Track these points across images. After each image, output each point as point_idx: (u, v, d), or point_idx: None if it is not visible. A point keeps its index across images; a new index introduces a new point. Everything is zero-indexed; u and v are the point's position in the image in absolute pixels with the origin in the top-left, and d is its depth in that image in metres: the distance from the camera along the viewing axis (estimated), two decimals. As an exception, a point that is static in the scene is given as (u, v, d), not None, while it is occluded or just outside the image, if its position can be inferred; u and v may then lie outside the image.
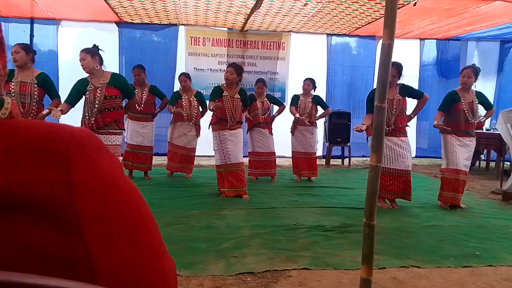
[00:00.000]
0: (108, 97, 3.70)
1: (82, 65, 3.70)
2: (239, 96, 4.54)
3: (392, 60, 1.87)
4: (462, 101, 4.27)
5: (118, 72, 6.91)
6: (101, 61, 3.80)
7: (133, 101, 4.13)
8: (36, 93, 3.91)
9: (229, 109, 4.48)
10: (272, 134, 5.66)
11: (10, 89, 3.79)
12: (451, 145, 4.29)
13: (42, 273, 0.37)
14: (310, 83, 5.73)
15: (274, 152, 5.71)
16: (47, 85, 4.01)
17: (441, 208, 4.37)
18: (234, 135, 4.56)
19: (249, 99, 4.86)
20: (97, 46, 3.89)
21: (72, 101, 3.76)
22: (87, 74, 3.76)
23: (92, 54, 3.72)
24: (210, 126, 4.70)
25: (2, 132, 0.41)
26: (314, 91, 5.80)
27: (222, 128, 4.54)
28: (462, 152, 4.28)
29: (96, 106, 3.68)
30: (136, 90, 5.30)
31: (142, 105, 5.40)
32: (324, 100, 6.17)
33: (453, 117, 4.31)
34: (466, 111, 4.25)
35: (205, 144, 7.33)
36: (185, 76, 5.67)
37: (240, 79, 4.55)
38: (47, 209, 0.39)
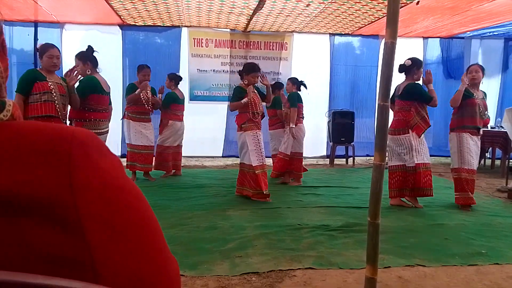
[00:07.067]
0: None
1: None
2: (256, 91, 4.57)
3: (396, 59, 1.86)
4: (475, 96, 4.25)
5: (122, 75, 7.03)
6: (94, 65, 4.02)
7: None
8: (68, 94, 3.80)
9: (257, 103, 4.46)
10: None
11: (50, 88, 3.55)
12: (467, 144, 4.24)
13: (46, 273, 0.37)
14: (289, 82, 5.67)
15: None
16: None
17: (446, 207, 4.35)
18: (261, 135, 4.54)
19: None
20: (92, 47, 4.01)
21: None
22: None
23: (83, 60, 3.90)
24: (240, 127, 4.50)
25: (4, 134, 0.41)
26: (298, 90, 5.61)
27: (257, 127, 4.47)
28: (474, 151, 4.27)
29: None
30: (142, 92, 5.29)
31: (151, 105, 5.40)
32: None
33: (469, 111, 4.23)
34: (480, 106, 4.23)
35: (208, 145, 7.39)
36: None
37: None
38: (49, 210, 0.39)
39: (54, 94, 3.57)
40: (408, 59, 4.28)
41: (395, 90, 4.38)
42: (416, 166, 4.23)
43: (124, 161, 5.49)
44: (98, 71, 4.27)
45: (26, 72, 3.66)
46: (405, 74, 4.31)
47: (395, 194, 4.35)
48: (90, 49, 4.19)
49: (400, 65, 4.28)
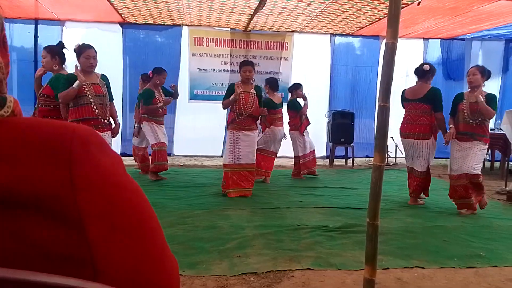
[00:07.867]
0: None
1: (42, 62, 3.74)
2: (254, 92, 4.61)
3: (396, 60, 1.86)
4: (464, 101, 4.21)
5: (122, 73, 7.02)
6: (62, 61, 3.91)
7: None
8: (106, 93, 3.79)
9: (243, 103, 4.50)
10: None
11: (85, 91, 3.61)
12: (451, 150, 4.28)
13: (46, 270, 0.37)
14: (265, 85, 5.68)
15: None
16: (109, 86, 3.92)
17: (445, 208, 4.35)
18: (248, 136, 4.60)
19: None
20: (62, 43, 3.96)
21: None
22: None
23: (52, 54, 3.80)
24: (228, 125, 4.72)
25: (5, 130, 0.41)
26: (274, 90, 5.62)
27: (237, 128, 4.56)
28: (461, 157, 4.15)
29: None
30: (156, 94, 5.37)
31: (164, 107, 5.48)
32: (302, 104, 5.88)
33: (455, 117, 4.27)
34: (465, 112, 4.14)
35: (208, 145, 7.39)
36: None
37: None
38: (50, 206, 0.39)
39: (90, 96, 3.63)
40: (426, 63, 4.44)
41: (405, 93, 4.45)
42: (427, 170, 4.37)
43: (126, 160, 5.48)
44: (64, 67, 4.20)
45: (63, 77, 3.71)
46: (419, 77, 4.39)
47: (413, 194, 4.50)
48: (60, 45, 4.07)
49: (417, 68, 4.42)
